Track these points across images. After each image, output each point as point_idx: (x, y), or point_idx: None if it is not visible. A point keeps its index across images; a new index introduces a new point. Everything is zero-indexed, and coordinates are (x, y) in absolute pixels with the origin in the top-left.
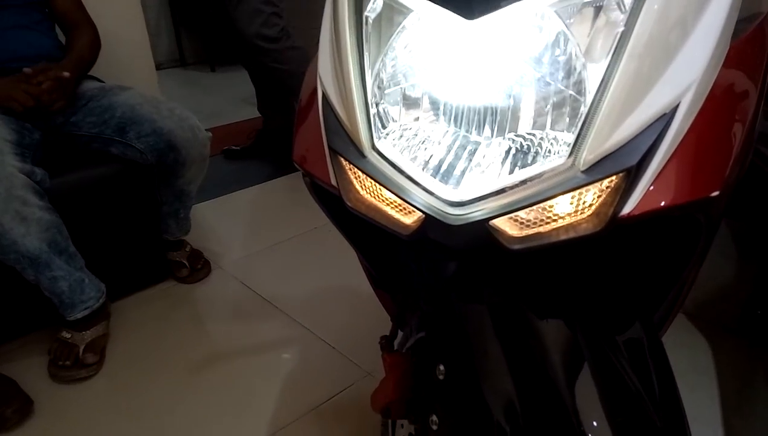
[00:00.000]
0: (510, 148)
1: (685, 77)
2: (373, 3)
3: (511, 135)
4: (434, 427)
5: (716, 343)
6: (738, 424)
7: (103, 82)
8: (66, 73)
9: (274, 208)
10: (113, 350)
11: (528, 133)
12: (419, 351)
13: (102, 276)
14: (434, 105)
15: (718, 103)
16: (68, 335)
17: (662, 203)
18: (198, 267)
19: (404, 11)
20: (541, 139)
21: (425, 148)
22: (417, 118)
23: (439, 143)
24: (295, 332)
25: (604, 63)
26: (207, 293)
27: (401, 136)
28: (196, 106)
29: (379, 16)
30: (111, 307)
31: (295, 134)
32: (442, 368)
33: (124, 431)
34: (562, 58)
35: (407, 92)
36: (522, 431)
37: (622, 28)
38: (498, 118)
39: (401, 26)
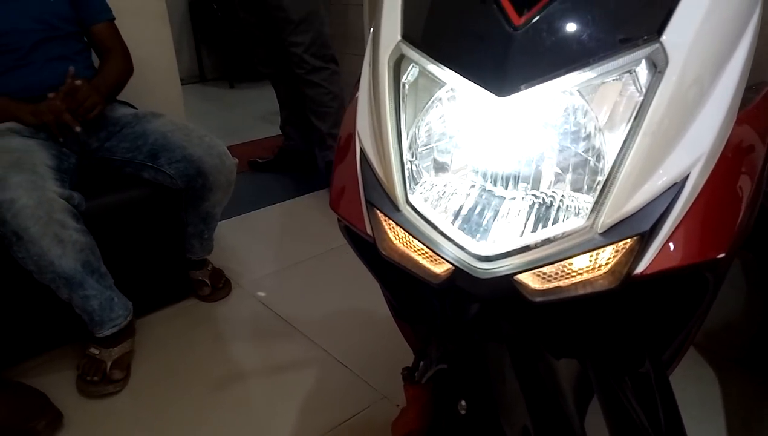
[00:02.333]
0: (533, 203)
1: (695, 149)
2: (410, 72)
3: (534, 192)
4: None
5: (724, 375)
6: None
7: (136, 108)
8: (78, 82)
9: (294, 227)
10: (138, 366)
11: (550, 192)
12: (440, 383)
13: (128, 293)
14: (463, 167)
15: (726, 169)
16: (96, 351)
17: (672, 264)
18: (219, 286)
19: (438, 83)
20: (562, 196)
21: (454, 200)
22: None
23: (468, 195)
24: (313, 353)
25: (621, 135)
26: (228, 312)
27: (432, 188)
28: (217, 123)
29: (416, 82)
30: (136, 323)
31: (332, 180)
32: (463, 403)
33: None
34: (581, 130)
35: (438, 157)
36: None
37: (638, 104)
38: (521, 179)
39: (436, 96)
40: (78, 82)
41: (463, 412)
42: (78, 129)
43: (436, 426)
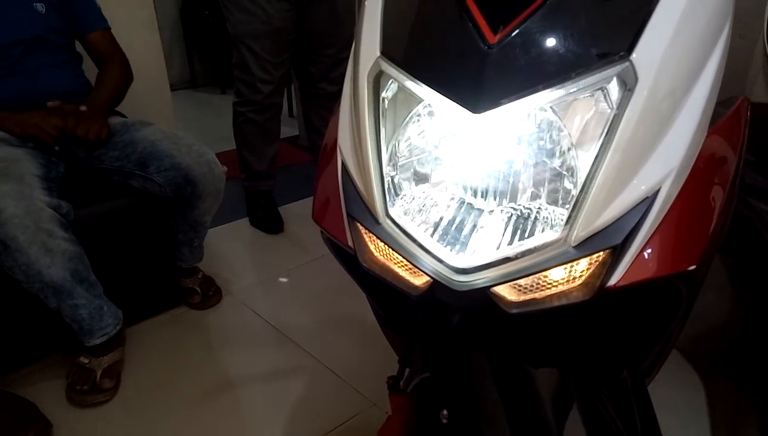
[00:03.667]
0: (511, 215)
1: (666, 164)
2: (390, 87)
3: (512, 204)
4: None
5: (708, 378)
6: None
7: (126, 117)
8: (82, 108)
9: (284, 235)
10: (128, 375)
11: (526, 205)
12: (423, 391)
13: (117, 302)
14: (442, 179)
15: (698, 184)
16: (86, 361)
17: (645, 276)
18: (210, 294)
19: (417, 99)
20: (539, 209)
21: (433, 212)
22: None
23: (447, 207)
24: (303, 361)
25: (593, 151)
26: (218, 320)
27: (412, 200)
28: (208, 129)
29: (395, 97)
30: (126, 332)
31: (315, 192)
32: (445, 412)
33: None
34: (556, 147)
35: (418, 169)
36: None
37: (609, 120)
38: (499, 192)
39: (415, 111)
40: (82, 108)
41: (445, 421)
42: (56, 148)
43: (419, 435)
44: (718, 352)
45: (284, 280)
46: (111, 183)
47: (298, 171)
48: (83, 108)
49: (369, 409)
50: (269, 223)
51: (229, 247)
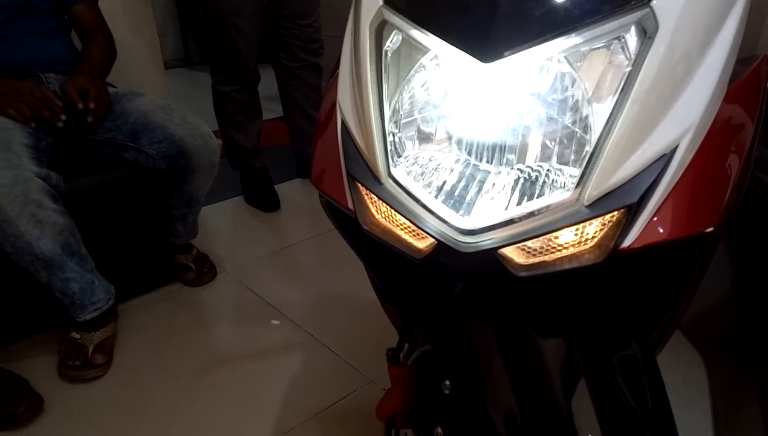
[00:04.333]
0: (518, 178)
1: (684, 120)
2: (393, 39)
3: (520, 165)
4: None
5: (710, 358)
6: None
7: (116, 87)
8: (80, 79)
9: (280, 212)
10: (121, 351)
11: (536, 165)
12: (424, 364)
13: (110, 277)
14: (447, 138)
15: (715, 144)
16: (78, 336)
17: (660, 238)
18: (204, 270)
19: (422, 49)
20: (548, 170)
21: (438, 175)
22: (430, 150)
23: (452, 170)
24: (299, 338)
25: (609, 105)
26: (212, 297)
27: (415, 163)
28: (202, 108)
29: (398, 51)
30: (119, 308)
31: (313, 155)
32: (447, 383)
33: (132, 431)
34: (569, 99)
35: (422, 127)
36: None
37: (626, 74)
38: (507, 150)
39: (419, 64)
40: (81, 79)
41: (447, 392)
42: (60, 124)
43: (420, 407)
44: (720, 332)
45: (279, 257)
46: (102, 155)
47: (290, 150)
48: (81, 79)
49: (366, 386)
50: (265, 201)
51: (224, 224)
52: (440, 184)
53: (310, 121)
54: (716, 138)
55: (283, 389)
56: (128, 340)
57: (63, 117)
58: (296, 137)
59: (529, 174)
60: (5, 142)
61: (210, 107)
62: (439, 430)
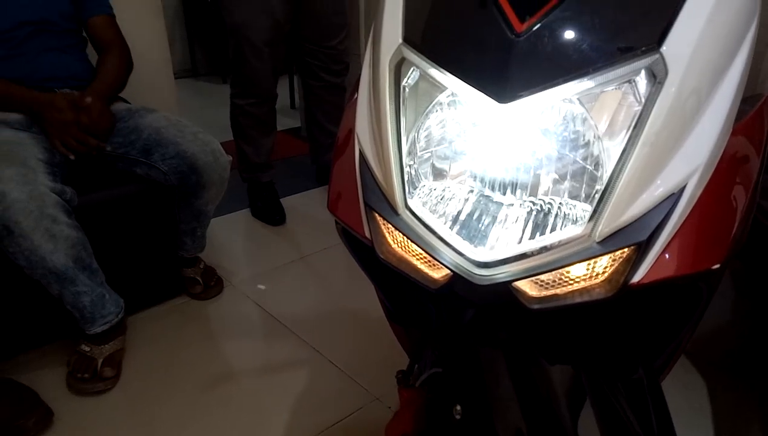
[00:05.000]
0: (531, 210)
1: (692, 160)
2: (411, 75)
3: (532, 198)
4: None
5: (712, 381)
6: None
7: (130, 103)
8: (88, 99)
9: (288, 225)
10: (129, 364)
11: (548, 199)
12: (434, 386)
13: (119, 290)
14: (461, 172)
15: (722, 181)
16: (87, 349)
17: (668, 274)
18: (211, 284)
19: (439, 87)
20: (560, 204)
21: (452, 205)
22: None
23: (466, 201)
24: (305, 354)
25: (620, 145)
26: (219, 310)
27: (430, 194)
28: (209, 119)
29: (416, 86)
30: (127, 321)
31: (330, 181)
32: (459, 408)
33: None
34: (581, 138)
35: (436, 163)
36: None
37: (637, 114)
38: (519, 186)
39: (437, 100)
40: (88, 99)
41: (458, 417)
42: (72, 157)
43: (430, 430)
44: (722, 354)
45: (286, 271)
46: (115, 170)
47: (300, 163)
48: (89, 99)
49: (372, 403)
50: (271, 214)
51: (231, 237)
52: (455, 214)
53: (328, 134)
54: (723, 176)
55: (288, 405)
56: (136, 353)
57: (71, 157)
58: (314, 147)
59: (541, 206)
60: (22, 158)
61: (217, 118)
62: None
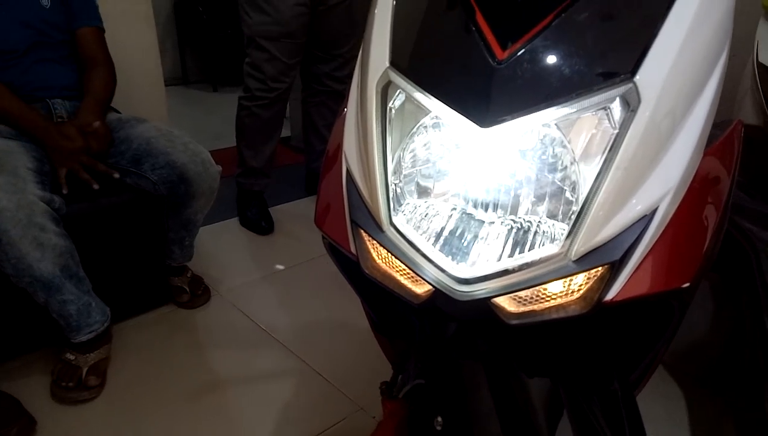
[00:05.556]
0: (511, 228)
1: (665, 183)
2: (397, 97)
3: (512, 217)
4: None
5: (690, 393)
6: None
7: (120, 112)
8: (96, 124)
9: (275, 235)
10: (114, 373)
11: (527, 218)
12: (417, 397)
13: (105, 298)
14: (444, 191)
15: (693, 203)
16: (72, 357)
17: (640, 292)
18: (198, 293)
19: (424, 110)
20: (539, 223)
21: (435, 222)
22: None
23: (449, 217)
24: (291, 363)
25: (595, 168)
26: (206, 319)
27: (414, 211)
28: (199, 127)
29: (402, 108)
30: (113, 329)
31: (318, 196)
32: (440, 419)
33: None
34: (558, 161)
35: (421, 182)
36: None
37: (612, 138)
38: (500, 205)
39: (421, 123)
40: (96, 124)
41: (438, 428)
42: (65, 191)
43: None
44: (700, 366)
45: (273, 281)
46: (104, 179)
47: (290, 172)
48: (97, 124)
49: (356, 413)
50: (259, 223)
51: (219, 246)
52: (438, 230)
53: (321, 139)
54: (695, 196)
55: (273, 415)
56: (122, 362)
57: (95, 186)
58: (309, 152)
59: (521, 224)
60: (11, 167)
61: (208, 126)
62: None
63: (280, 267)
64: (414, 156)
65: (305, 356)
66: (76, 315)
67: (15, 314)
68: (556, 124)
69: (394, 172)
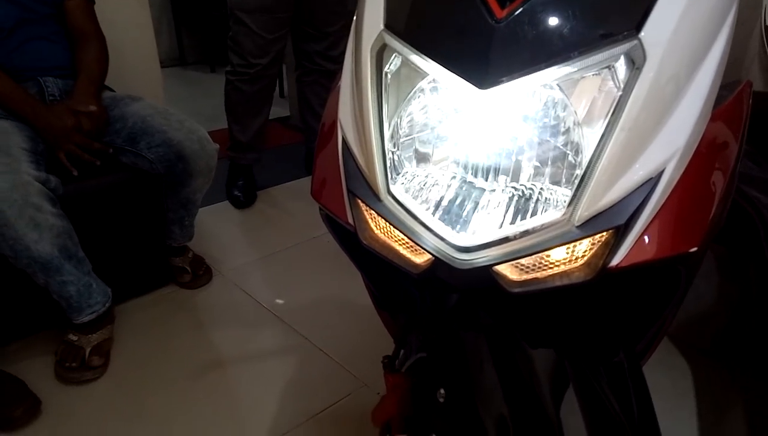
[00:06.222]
0: (513, 196)
1: (671, 144)
2: (393, 61)
3: (514, 184)
4: None
5: (695, 364)
6: None
7: (114, 91)
8: (93, 108)
9: (276, 215)
10: (117, 354)
11: (529, 184)
12: (419, 371)
13: (106, 279)
14: (444, 158)
15: (700, 167)
16: (75, 338)
17: (646, 257)
18: (200, 273)
19: (421, 73)
20: (541, 189)
21: (435, 191)
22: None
23: (448, 187)
24: (294, 341)
25: (599, 130)
26: (208, 299)
27: (413, 179)
28: (197, 108)
29: (398, 72)
30: (115, 310)
31: (314, 169)
32: (442, 391)
33: (129, 433)
34: (561, 124)
35: (419, 148)
36: None
37: (616, 99)
38: (501, 171)
39: (418, 86)
40: (92, 108)
41: (441, 400)
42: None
43: (415, 414)
44: (706, 338)
45: (275, 260)
46: (100, 159)
47: (289, 152)
48: (93, 108)
49: (361, 389)
50: (236, 197)
51: (220, 226)
52: (437, 199)
53: (317, 117)
54: (702, 160)
55: (278, 392)
56: (124, 342)
57: (98, 163)
58: (307, 132)
59: (523, 191)
60: (5, 147)
61: (205, 107)
62: None
63: (282, 246)
64: (411, 122)
65: (308, 333)
66: (76, 296)
67: (17, 296)
68: (558, 85)
69: (391, 139)
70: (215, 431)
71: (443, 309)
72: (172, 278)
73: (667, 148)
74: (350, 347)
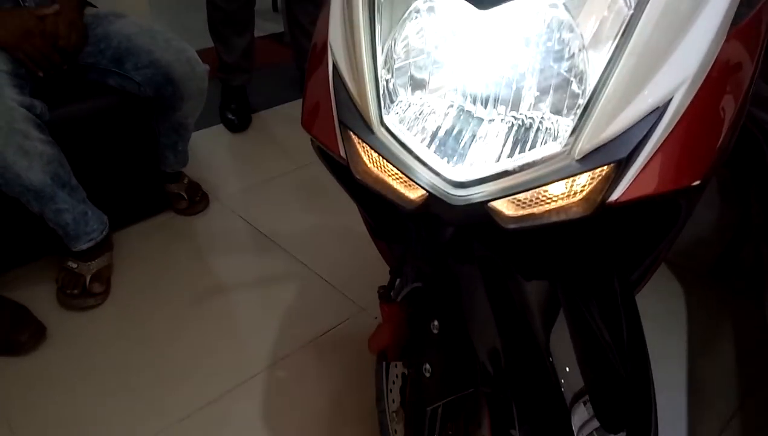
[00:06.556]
0: (512, 126)
1: (681, 71)
2: None
3: (513, 113)
4: (427, 374)
5: (690, 288)
6: (702, 362)
7: (96, 6)
8: (54, 6)
9: (273, 139)
10: (118, 280)
11: (529, 113)
12: (414, 301)
13: (102, 207)
14: (441, 85)
15: (710, 94)
16: (74, 265)
17: (647, 192)
18: (196, 199)
19: None
20: (541, 119)
21: (431, 120)
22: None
23: (445, 115)
24: (292, 267)
25: (606, 56)
26: (206, 226)
27: (408, 108)
28: (186, 22)
29: None
30: (113, 237)
31: (304, 96)
32: (436, 323)
33: (133, 357)
34: (565, 48)
35: (414, 74)
36: (504, 374)
37: (626, 20)
38: (501, 100)
39: (413, 7)
40: (55, 7)
41: (435, 331)
42: (40, 74)
43: (410, 343)
44: (702, 263)
45: (272, 186)
46: (86, 81)
47: (283, 71)
48: (56, 7)
49: (359, 314)
50: (231, 120)
51: (215, 151)
52: (433, 130)
53: (309, 36)
54: (713, 85)
55: (277, 317)
56: (125, 269)
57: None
58: (297, 51)
59: (523, 121)
60: None
61: (193, 23)
62: (428, 366)
63: (279, 171)
64: (406, 46)
65: (307, 259)
66: (73, 224)
67: (15, 224)
68: (564, 5)
69: (385, 65)
70: (217, 354)
71: (438, 242)
72: (169, 205)
73: (678, 73)
74: (348, 272)
